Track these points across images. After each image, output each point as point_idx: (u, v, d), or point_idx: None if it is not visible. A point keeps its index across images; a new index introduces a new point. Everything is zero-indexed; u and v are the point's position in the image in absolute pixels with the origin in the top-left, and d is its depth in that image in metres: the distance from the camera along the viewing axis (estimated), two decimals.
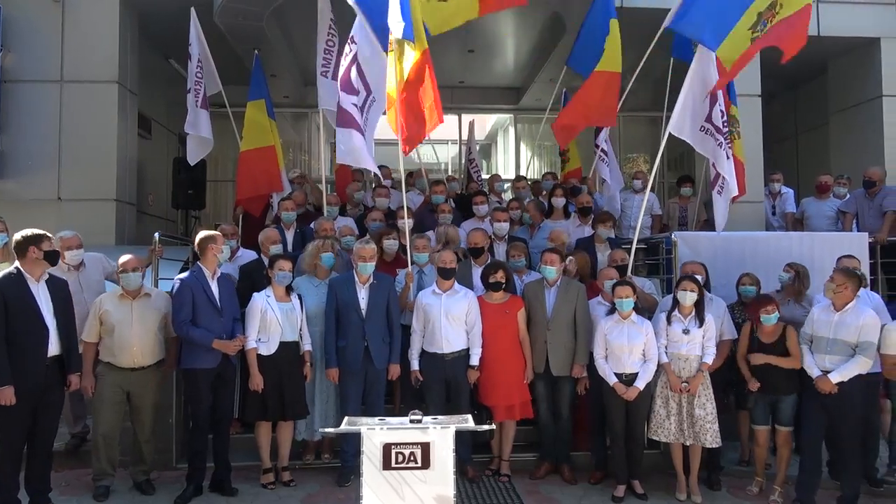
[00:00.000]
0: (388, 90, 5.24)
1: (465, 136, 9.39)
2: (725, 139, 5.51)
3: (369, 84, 5.55)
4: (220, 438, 4.66)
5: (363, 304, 4.78)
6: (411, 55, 4.98)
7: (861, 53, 8.77)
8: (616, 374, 4.64)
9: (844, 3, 8.40)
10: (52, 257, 4.09)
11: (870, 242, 6.11)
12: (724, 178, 5.61)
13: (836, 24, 8.40)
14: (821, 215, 7.05)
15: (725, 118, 5.56)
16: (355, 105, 5.45)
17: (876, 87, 8.58)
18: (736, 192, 5.71)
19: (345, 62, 5.55)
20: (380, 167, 8.03)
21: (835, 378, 4.27)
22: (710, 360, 4.62)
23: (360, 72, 5.50)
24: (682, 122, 5.44)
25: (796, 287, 5.11)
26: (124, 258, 4.55)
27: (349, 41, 5.56)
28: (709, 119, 5.51)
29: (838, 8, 8.39)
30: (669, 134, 5.49)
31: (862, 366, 4.28)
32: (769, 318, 4.61)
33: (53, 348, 4.05)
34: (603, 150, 7.84)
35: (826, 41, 8.52)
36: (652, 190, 6.06)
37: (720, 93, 5.55)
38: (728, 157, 5.54)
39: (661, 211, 7.96)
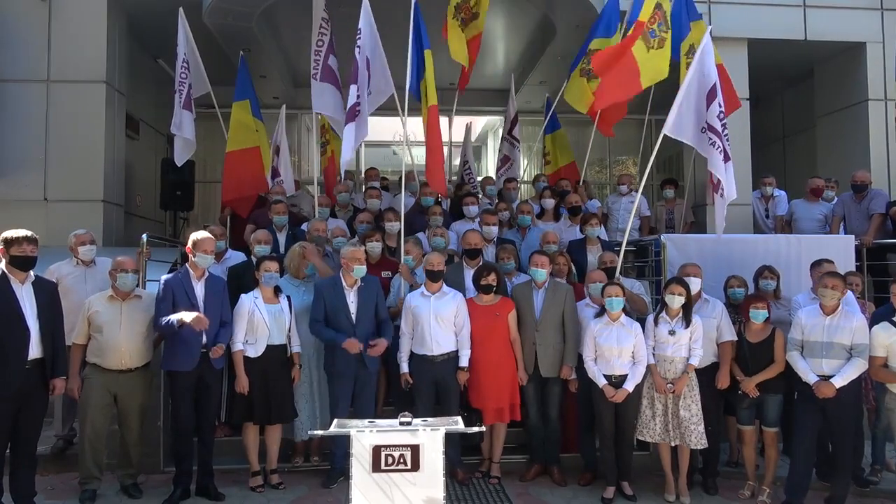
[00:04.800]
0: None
1: (455, 138, 9.34)
2: (725, 140, 5.44)
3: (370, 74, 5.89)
4: (203, 443, 4.62)
5: (352, 307, 4.76)
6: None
7: (847, 58, 8.86)
8: (605, 376, 4.65)
9: (831, 8, 8.48)
10: (20, 262, 4.00)
11: (856, 245, 6.18)
12: (720, 181, 5.51)
13: (822, 29, 8.49)
14: (809, 218, 7.08)
15: (725, 120, 5.51)
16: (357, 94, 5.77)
17: (862, 91, 8.67)
18: (735, 196, 5.67)
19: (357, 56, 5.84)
20: (368, 169, 8.08)
21: (838, 383, 4.27)
22: (695, 361, 4.63)
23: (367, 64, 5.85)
24: (678, 123, 5.39)
25: (775, 290, 5.19)
26: (122, 258, 4.50)
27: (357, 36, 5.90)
28: (706, 120, 5.46)
29: (825, 13, 8.48)
30: (663, 136, 5.47)
31: (860, 368, 4.32)
32: (757, 315, 4.64)
33: (34, 351, 4.00)
34: (515, 138, 8.77)
35: (813, 45, 8.61)
36: (642, 193, 6.08)
37: (719, 93, 5.47)
38: (725, 160, 5.45)
39: (649, 212, 7.99)
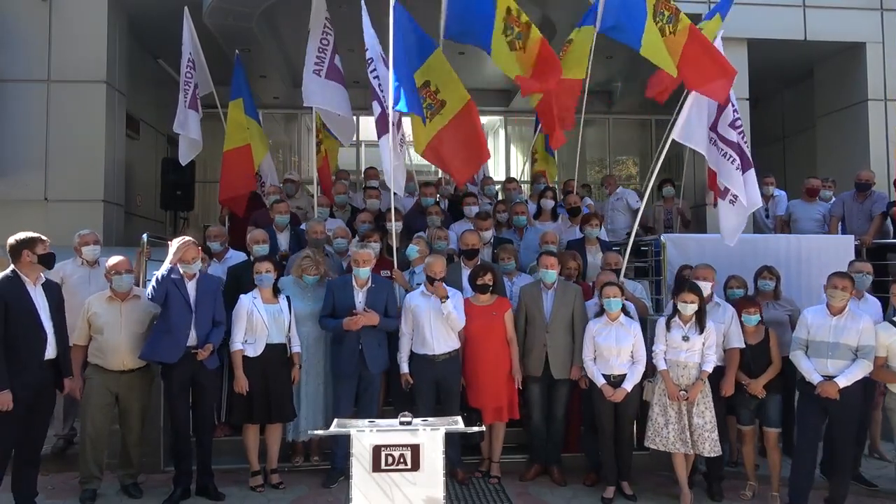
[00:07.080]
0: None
1: None
2: (741, 148, 5.34)
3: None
4: (201, 444, 4.62)
5: (360, 307, 4.77)
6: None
7: (847, 58, 8.88)
8: (604, 376, 4.65)
9: (831, 9, 8.51)
10: (47, 260, 4.04)
11: (855, 245, 6.18)
12: (727, 188, 5.42)
13: (822, 29, 8.50)
14: (808, 218, 7.08)
15: (741, 128, 5.44)
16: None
17: (861, 91, 8.68)
18: (759, 204, 5.52)
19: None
20: (368, 168, 8.08)
21: (841, 383, 4.25)
22: (709, 367, 4.54)
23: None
24: (688, 129, 5.32)
25: (775, 290, 5.18)
26: (115, 259, 4.50)
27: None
28: (713, 128, 5.40)
29: (825, 13, 8.50)
30: (671, 140, 5.42)
31: (865, 369, 4.29)
32: (750, 319, 4.65)
33: (50, 351, 4.02)
34: None
35: (813, 45, 8.63)
36: (645, 193, 6.08)
37: (732, 97, 5.40)
38: (738, 169, 5.34)
39: (639, 204, 7.92)
